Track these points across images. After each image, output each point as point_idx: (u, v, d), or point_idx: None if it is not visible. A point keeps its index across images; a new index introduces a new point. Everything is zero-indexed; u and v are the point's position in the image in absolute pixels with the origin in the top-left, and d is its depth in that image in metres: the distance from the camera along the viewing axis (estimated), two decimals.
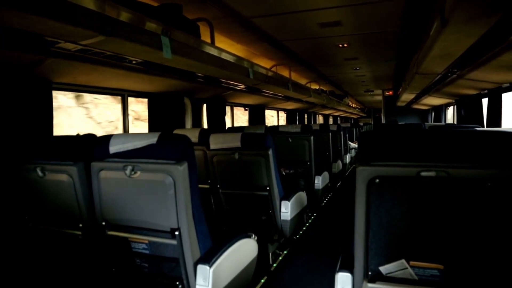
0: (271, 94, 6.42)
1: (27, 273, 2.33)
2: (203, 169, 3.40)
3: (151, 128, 4.28)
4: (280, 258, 3.53)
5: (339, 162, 6.94)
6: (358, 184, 1.48)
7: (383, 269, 1.51)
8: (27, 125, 2.58)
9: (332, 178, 6.15)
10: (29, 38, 1.99)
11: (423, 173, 1.38)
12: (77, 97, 5.69)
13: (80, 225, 2.12)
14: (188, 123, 4.81)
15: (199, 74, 3.79)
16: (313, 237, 4.20)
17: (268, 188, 3.12)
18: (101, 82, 3.38)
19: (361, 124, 15.72)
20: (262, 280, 3.04)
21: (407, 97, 9.54)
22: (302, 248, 3.81)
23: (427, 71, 4.60)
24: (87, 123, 5.79)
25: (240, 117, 8.82)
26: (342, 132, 7.72)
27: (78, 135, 2.49)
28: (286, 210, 3.20)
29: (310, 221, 4.82)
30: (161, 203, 1.83)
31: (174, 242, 1.86)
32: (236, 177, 3.20)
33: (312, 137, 4.74)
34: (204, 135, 3.30)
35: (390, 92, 14.14)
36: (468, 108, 6.10)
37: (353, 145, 9.96)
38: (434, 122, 10.51)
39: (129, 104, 3.99)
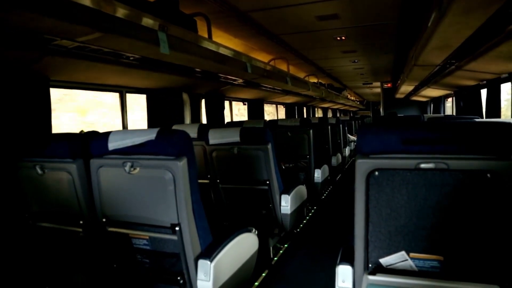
0: (270, 88, 6.40)
1: (28, 270, 2.34)
2: (202, 164, 3.40)
3: (150, 124, 4.27)
4: (281, 252, 3.54)
5: (339, 155, 6.95)
6: (358, 177, 1.48)
7: (384, 261, 1.51)
8: (26, 123, 2.57)
9: (332, 171, 6.16)
10: (26, 35, 1.98)
11: (422, 165, 1.38)
12: None
13: (81, 222, 2.12)
14: (187, 119, 4.81)
15: (197, 69, 3.78)
16: (314, 231, 4.21)
17: (268, 182, 3.12)
18: (99, 79, 3.37)
19: (358, 116, 15.63)
20: (263, 274, 3.06)
21: (405, 89, 9.54)
22: (303, 242, 3.82)
23: (425, 62, 4.60)
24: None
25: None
26: (341, 125, 7.71)
27: (81, 132, 2.49)
28: (286, 204, 3.21)
29: (310, 214, 4.83)
30: (161, 199, 1.83)
31: (174, 237, 1.86)
32: (236, 171, 3.20)
33: (311, 131, 4.73)
34: (203, 130, 3.30)
35: (389, 85, 14.12)
36: (467, 99, 6.11)
37: (352, 138, 9.96)
38: (433, 113, 10.52)
39: None
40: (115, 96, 3.92)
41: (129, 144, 1.86)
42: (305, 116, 11.81)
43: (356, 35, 5.94)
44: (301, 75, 8.74)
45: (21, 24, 1.76)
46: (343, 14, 4.62)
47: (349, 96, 17.38)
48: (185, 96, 4.75)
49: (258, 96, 7.18)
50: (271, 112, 10.12)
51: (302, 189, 3.61)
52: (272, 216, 3.27)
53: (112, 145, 1.90)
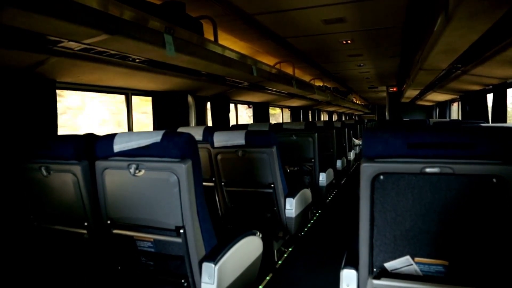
0: (275, 91, 6.40)
1: (33, 272, 2.35)
2: (207, 167, 3.40)
3: (156, 126, 4.29)
4: (285, 255, 3.53)
5: (344, 159, 6.92)
6: (363, 181, 1.47)
7: (388, 265, 1.51)
8: (32, 124, 2.59)
9: (337, 175, 6.14)
10: (32, 37, 1.99)
11: (428, 169, 1.38)
12: None
13: (86, 224, 2.13)
14: (192, 121, 4.82)
15: (203, 72, 3.79)
16: (318, 234, 4.20)
17: (272, 185, 3.12)
18: (105, 81, 3.38)
19: (366, 120, 15.58)
20: (267, 278, 3.05)
21: (411, 93, 9.52)
22: (307, 245, 3.80)
23: (431, 67, 4.59)
24: None
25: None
26: (346, 129, 7.70)
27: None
28: (291, 207, 3.20)
29: (314, 218, 4.81)
30: (166, 201, 1.84)
31: (179, 240, 1.86)
32: (241, 174, 3.20)
33: (316, 134, 4.73)
34: (208, 133, 3.31)
35: (395, 89, 14.09)
36: (473, 104, 6.08)
37: (357, 141, 9.93)
38: (438, 118, 10.47)
39: None
40: None
41: (135, 146, 1.86)
42: (310, 119, 11.79)
43: (362, 39, 5.94)
44: (307, 78, 8.74)
45: (27, 25, 1.78)
46: (350, 18, 4.62)
47: (354, 100, 17.36)
48: (190, 99, 4.77)
49: (264, 99, 7.19)
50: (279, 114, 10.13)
51: (306, 192, 3.61)
52: (277, 219, 3.26)
53: (117, 147, 1.91)
